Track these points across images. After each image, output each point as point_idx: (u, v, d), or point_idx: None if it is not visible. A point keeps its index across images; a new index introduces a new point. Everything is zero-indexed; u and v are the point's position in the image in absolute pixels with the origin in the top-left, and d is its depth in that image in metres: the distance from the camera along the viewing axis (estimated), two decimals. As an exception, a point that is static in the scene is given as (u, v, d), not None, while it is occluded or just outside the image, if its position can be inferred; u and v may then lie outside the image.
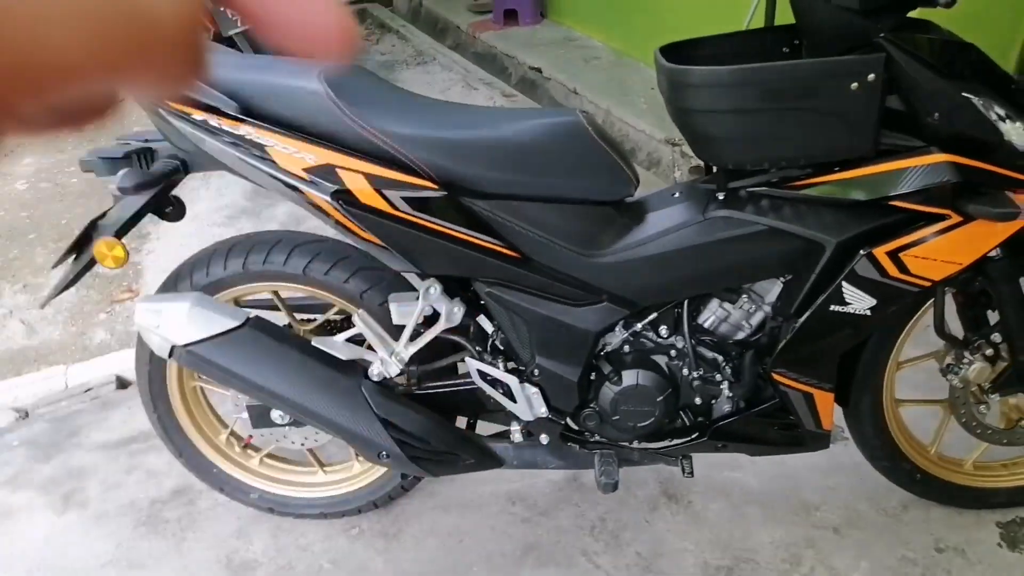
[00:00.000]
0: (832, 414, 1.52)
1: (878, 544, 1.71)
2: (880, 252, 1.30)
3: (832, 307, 1.36)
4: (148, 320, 1.44)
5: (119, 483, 1.94)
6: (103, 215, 1.43)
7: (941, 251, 1.30)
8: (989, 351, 1.52)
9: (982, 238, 1.31)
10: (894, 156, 1.27)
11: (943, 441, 1.71)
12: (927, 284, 1.34)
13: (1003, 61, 1.33)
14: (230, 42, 3.19)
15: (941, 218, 1.29)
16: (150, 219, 1.46)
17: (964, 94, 1.21)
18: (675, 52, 1.34)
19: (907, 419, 1.68)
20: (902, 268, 1.31)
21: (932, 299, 1.49)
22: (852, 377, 1.56)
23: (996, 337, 1.52)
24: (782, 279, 1.42)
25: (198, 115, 1.30)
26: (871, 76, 1.19)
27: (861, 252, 1.31)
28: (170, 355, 1.45)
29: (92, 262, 1.40)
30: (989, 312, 1.54)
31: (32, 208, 3.26)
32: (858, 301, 1.35)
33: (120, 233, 1.37)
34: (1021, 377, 1.53)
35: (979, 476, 1.74)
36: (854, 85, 1.20)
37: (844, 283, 1.34)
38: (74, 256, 1.46)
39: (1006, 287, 1.45)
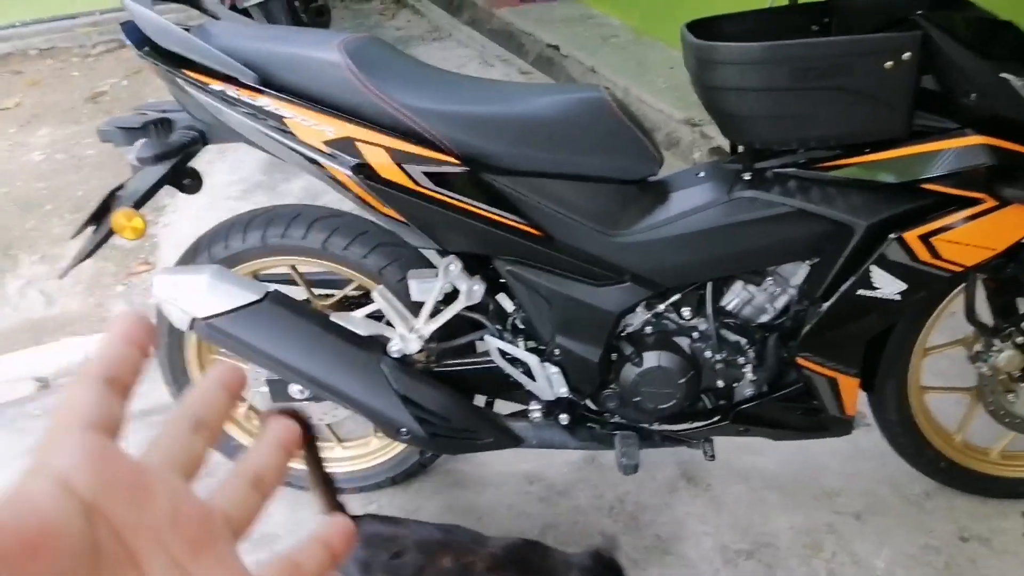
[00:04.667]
0: (856, 400, 1.50)
1: (900, 531, 1.69)
2: (911, 236, 1.27)
3: (860, 291, 1.34)
4: (167, 292, 1.43)
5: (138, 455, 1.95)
6: (121, 186, 1.42)
7: (974, 236, 1.27)
8: (1019, 339, 1.49)
9: (1017, 223, 1.28)
10: (927, 138, 1.23)
11: (969, 429, 1.68)
12: (958, 269, 1.31)
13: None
14: (245, 13, 3.16)
15: (975, 202, 1.25)
16: (165, 192, 1.45)
17: (1002, 74, 1.17)
18: (701, 29, 1.31)
19: (932, 406, 1.65)
20: (933, 253, 1.28)
21: (962, 285, 1.46)
22: (877, 363, 1.53)
23: (1027, 324, 1.49)
24: (808, 262, 1.40)
25: (216, 85, 1.28)
26: (906, 55, 1.15)
27: (891, 236, 1.28)
28: (190, 328, 1.45)
29: (111, 233, 1.39)
30: (1020, 299, 1.51)
31: (48, 179, 3.26)
32: (887, 286, 1.32)
33: (139, 204, 1.36)
34: (1051, 366, 1.50)
35: (1005, 465, 1.71)
36: (888, 64, 1.16)
37: (873, 267, 1.31)
38: (93, 227, 1.45)
39: (1039, 273, 1.42)
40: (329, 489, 1.20)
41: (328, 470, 1.20)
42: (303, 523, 1.76)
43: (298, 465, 1.79)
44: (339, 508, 1.21)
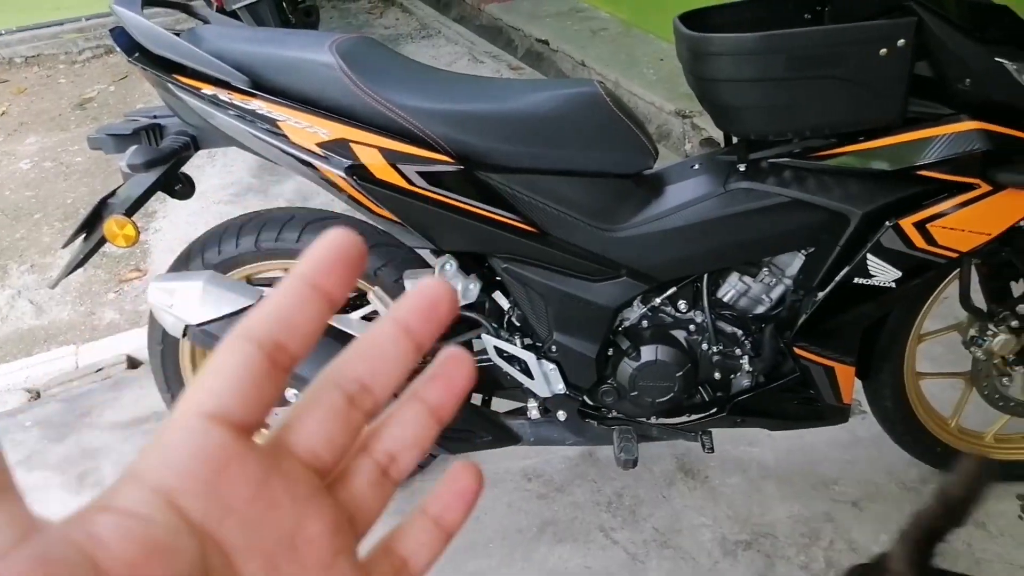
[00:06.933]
0: (852, 388, 1.51)
1: (898, 517, 1.69)
2: (907, 223, 1.28)
3: (856, 280, 1.34)
4: (161, 299, 1.42)
5: (133, 463, 1.94)
6: (112, 193, 1.41)
7: (969, 221, 1.27)
8: (1014, 323, 1.50)
9: (1012, 208, 1.28)
10: (922, 124, 1.24)
11: (964, 414, 1.69)
12: (954, 255, 1.31)
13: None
14: (233, 15, 3.14)
15: (970, 187, 1.26)
16: (155, 198, 1.44)
17: (997, 59, 1.18)
18: (694, 20, 1.31)
19: (927, 392, 1.66)
20: (929, 239, 1.29)
21: (956, 270, 1.47)
22: (873, 350, 1.54)
23: (1021, 308, 1.49)
24: (804, 252, 1.40)
25: (208, 89, 1.27)
26: (901, 41, 1.16)
27: (887, 223, 1.28)
28: (184, 334, 1.44)
29: (102, 241, 1.38)
30: (1014, 283, 1.51)
31: (37, 187, 3.24)
32: (883, 273, 1.33)
33: (130, 211, 1.35)
34: (1046, 349, 1.51)
35: (1000, 448, 1.73)
36: (883, 51, 1.16)
37: (869, 255, 1.31)
38: (84, 235, 1.44)
39: (1033, 258, 1.42)
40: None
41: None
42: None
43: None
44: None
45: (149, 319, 1.59)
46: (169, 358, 1.63)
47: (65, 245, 1.49)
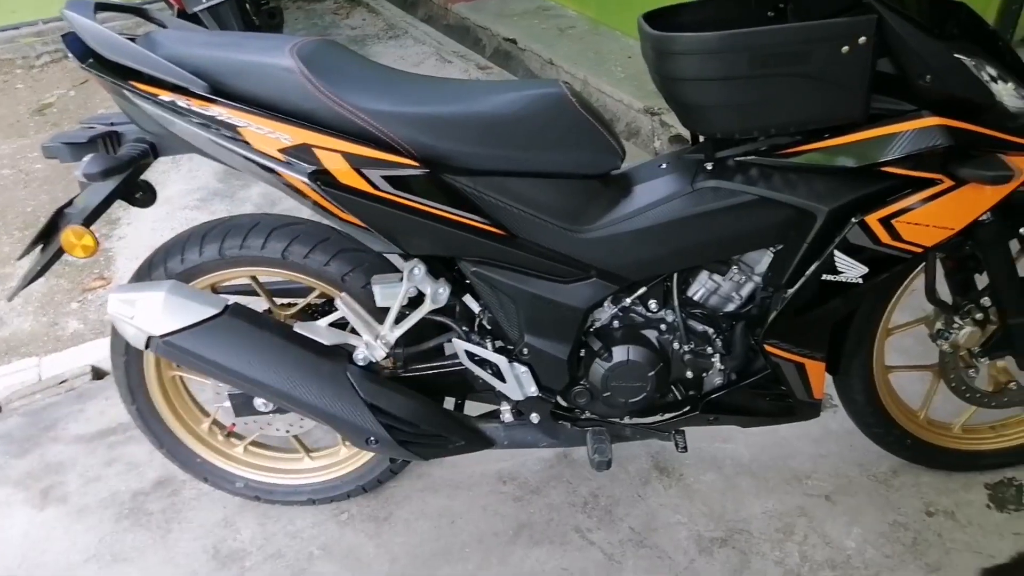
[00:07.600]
0: (823, 383, 1.52)
1: (870, 510, 1.71)
2: (872, 219, 1.28)
3: (824, 276, 1.35)
4: (122, 311, 1.38)
5: (99, 476, 1.90)
6: (70, 203, 1.38)
7: (933, 216, 1.28)
8: (979, 315, 1.52)
9: (974, 202, 1.29)
10: (885, 121, 1.24)
11: (932, 406, 1.71)
12: (919, 250, 1.32)
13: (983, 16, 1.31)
14: (195, 19, 3.09)
15: (933, 183, 1.27)
16: (120, 204, 1.41)
17: (956, 55, 1.19)
18: (658, 19, 1.31)
19: (896, 385, 1.68)
20: (894, 235, 1.29)
21: (921, 265, 1.48)
22: (842, 345, 1.55)
23: (985, 301, 1.51)
24: (772, 249, 1.40)
25: (165, 96, 1.24)
26: (862, 39, 1.16)
27: (853, 220, 1.29)
28: (147, 346, 1.41)
29: (60, 252, 1.35)
30: (977, 276, 1.53)
31: (-4, 196, 3.16)
32: (850, 269, 1.34)
33: (88, 221, 1.32)
34: (1010, 340, 1.53)
35: (967, 439, 1.75)
36: (845, 48, 1.16)
37: (836, 252, 1.32)
38: (41, 246, 1.40)
39: (996, 251, 1.44)
40: None
41: None
42: (273, 538, 1.73)
43: (272, 479, 1.76)
44: None
45: (112, 330, 1.55)
46: (133, 369, 1.60)
47: (21, 256, 1.45)
